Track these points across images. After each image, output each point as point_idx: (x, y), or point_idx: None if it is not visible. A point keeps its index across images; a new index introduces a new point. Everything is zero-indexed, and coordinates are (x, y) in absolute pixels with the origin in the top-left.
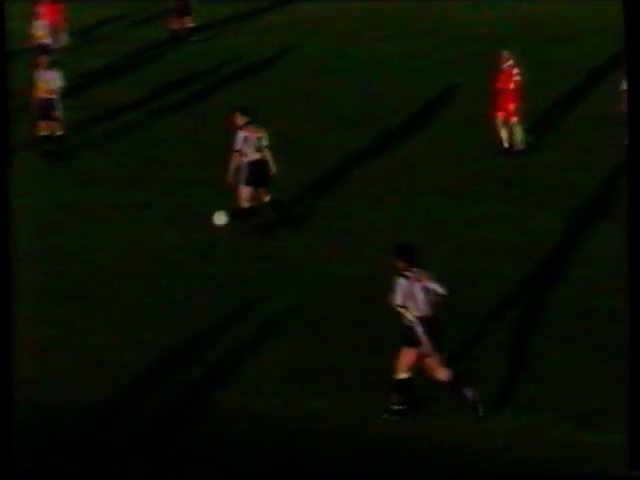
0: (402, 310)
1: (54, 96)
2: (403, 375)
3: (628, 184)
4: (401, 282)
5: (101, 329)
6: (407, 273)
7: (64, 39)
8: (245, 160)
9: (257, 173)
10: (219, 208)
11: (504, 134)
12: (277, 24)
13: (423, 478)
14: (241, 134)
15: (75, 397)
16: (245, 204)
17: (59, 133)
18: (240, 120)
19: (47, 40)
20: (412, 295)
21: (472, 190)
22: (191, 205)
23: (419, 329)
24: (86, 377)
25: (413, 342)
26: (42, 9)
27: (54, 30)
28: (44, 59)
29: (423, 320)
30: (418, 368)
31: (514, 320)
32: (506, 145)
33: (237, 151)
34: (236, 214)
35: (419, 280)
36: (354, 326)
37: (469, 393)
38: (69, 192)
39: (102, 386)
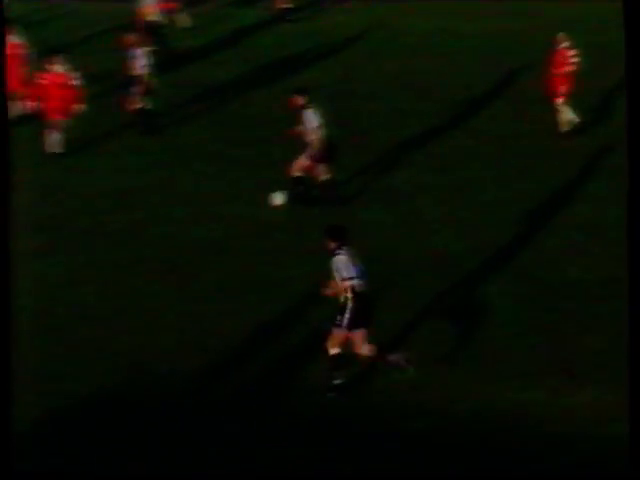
0: (348, 284)
1: (142, 73)
2: (336, 350)
3: (629, 185)
4: (341, 258)
5: (196, 301)
6: (341, 250)
7: (182, 19)
8: (314, 137)
9: (327, 150)
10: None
11: (562, 116)
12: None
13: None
14: (309, 111)
15: (171, 365)
16: (297, 173)
17: (140, 106)
18: (300, 101)
19: (155, 18)
20: (348, 271)
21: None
22: (283, 182)
23: (352, 304)
24: (182, 347)
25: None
26: None
27: (168, 10)
28: (133, 37)
29: (358, 296)
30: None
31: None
32: (566, 128)
33: (317, 127)
34: (295, 184)
35: (351, 257)
36: (447, 301)
37: (395, 358)
38: (166, 167)
39: (198, 355)
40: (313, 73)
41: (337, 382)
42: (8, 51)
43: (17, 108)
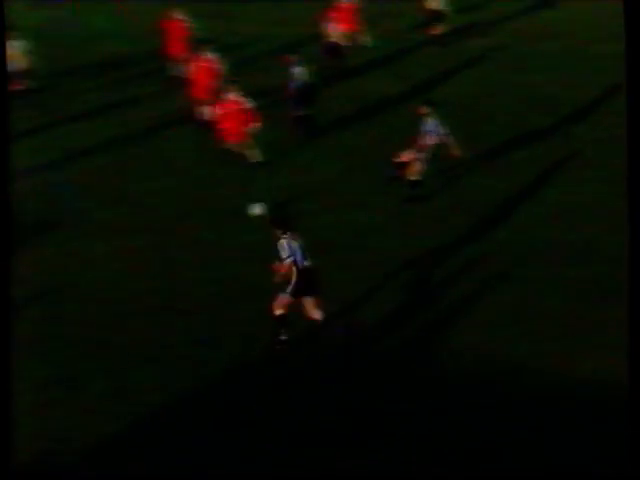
0: (289, 262)
1: (302, 87)
2: (280, 312)
3: (629, 184)
4: (282, 242)
5: (354, 275)
6: (284, 236)
7: (365, 40)
8: (431, 142)
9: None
10: (437, 184)
11: None
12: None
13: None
14: (430, 120)
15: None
16: (413, 177)
17: (307, 113)
18: (425, 110)
19: (339, 41)
20: (293, 252)
21: None
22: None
23: (296, 278)
24: (332, 313)
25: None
26: (337, 13)
27: (350, 32)
28: (293, 57)
29: (303, 271)
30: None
31: None
32: None
33: (434, 134)
34: (411, 184)
35: (294, 240)
36: (569, 282)
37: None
38: (326, 164)
39: (344, 320)
40: (452, 87)
41: (283, 338)
42: (203, 64)
43: (204, 114)
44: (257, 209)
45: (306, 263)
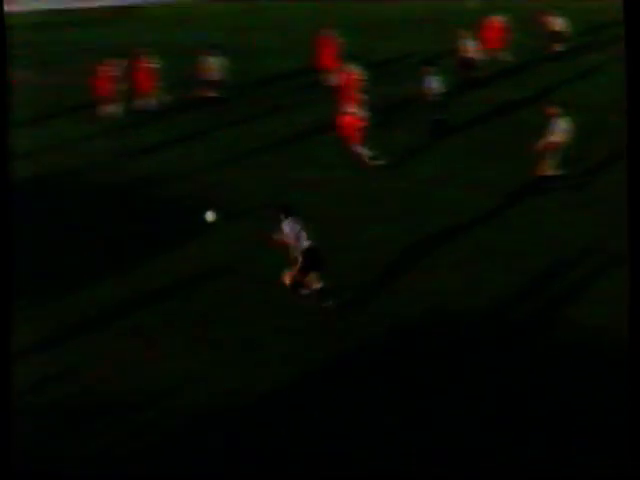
0: (291, 243)
1: (435, 94)
2: (317, 285)
3: (628, 184)
4: (284, 226)
5: (470, 258)
6: (287, 220)
7: (505, 55)
8: (562, 140)
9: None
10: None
11: None
12: None
13: None
14: (558, 120)
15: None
16: (550, 172)
17: (440, 117)
18: (553, 111)
19: (474, 55)
20: (295, 234)
21: None
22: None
23: (302, 257)
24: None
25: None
26: (480, 30)
27: (492, 48)
28: (430, 68)
29: (307, 250)
30: None
31: None
32: None
33: (562, 133)
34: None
35: (296, 223)
36: None
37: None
38: (455, 164)
39: (481, 295)
40: (568, 95)
41: (329, 303)
42: (350, 76)
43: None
44: (210, 216)
45: (306, 244)
